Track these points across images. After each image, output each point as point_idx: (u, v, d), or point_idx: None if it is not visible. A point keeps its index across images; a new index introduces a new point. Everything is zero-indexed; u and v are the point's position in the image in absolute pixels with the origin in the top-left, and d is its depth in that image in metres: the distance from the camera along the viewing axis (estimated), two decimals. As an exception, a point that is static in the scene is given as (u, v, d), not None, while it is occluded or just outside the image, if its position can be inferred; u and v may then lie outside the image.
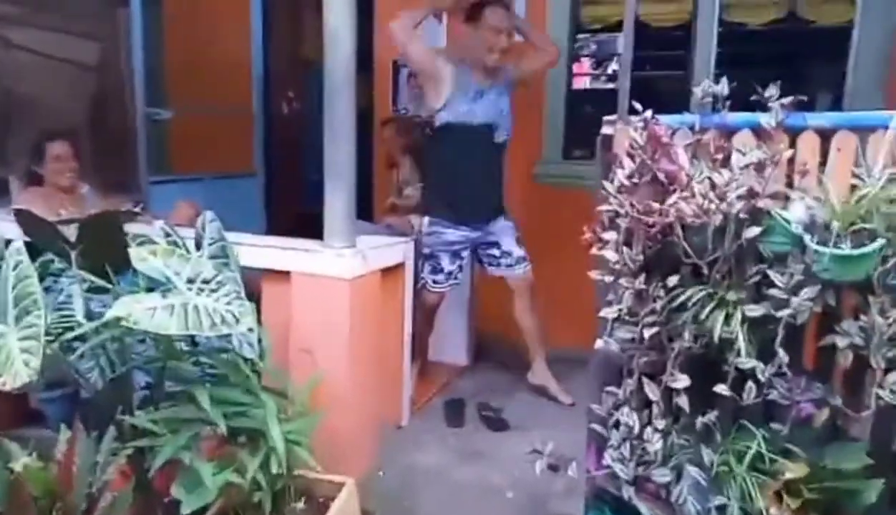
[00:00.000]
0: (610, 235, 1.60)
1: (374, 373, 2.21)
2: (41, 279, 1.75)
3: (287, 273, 2.11)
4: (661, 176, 1.54)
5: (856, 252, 1.31)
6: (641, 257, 1.53)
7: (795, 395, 1.45)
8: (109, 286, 1.74)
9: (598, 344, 1.68)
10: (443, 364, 3.21)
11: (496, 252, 2.85)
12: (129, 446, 1.62)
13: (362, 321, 2.10)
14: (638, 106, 1.65)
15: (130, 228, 1.81)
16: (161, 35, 4.35)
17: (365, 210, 3.56)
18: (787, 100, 1.55)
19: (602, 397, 1.72)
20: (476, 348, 3.37)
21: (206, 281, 1.55)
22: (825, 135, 1.54)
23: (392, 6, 3.53)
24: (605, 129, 1.75)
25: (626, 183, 1.54)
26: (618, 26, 3.27)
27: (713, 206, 1.40)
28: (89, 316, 1.69)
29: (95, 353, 1.75)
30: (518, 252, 2.85)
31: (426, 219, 2.79)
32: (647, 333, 1.52)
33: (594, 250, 1.64)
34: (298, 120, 5.04)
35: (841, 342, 1.38)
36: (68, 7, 4.02)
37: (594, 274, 1.64)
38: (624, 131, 1.66)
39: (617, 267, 1.57)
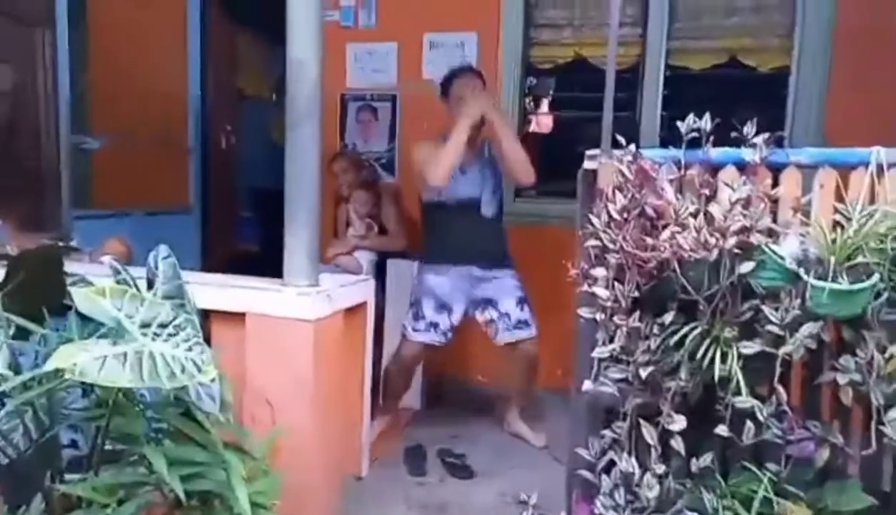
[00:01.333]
0: (599, 271, 1.55)
1: (336, 423, 2.05)
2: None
3: (241, 315, 1.93)
4: (650, 210, 1.51)
5: (855, 287, 1.30)
6: (636, 293, 1.47)
7: (796, 434, 1.41)
8: (39, 330, 1.52)
9: (586, 385, 1.61)
10: (400, 409, 3.06)
11: (494, 314, 2.65)
12: (62, 520, 1.39)
13: (326, 366, 1.95)
14: (622, 139, 1.63)
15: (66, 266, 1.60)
16: (84, 59, 4.06)
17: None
18: (765, 136, 1.57)
19: (589, 441, 1.64)
20: (429, 391, 3.23)
21: (162, 325, 1.37)
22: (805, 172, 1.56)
23: (333, 36, 3.47)
24: (588, 164, 1.71)
25: (617, 217, 1.49)
26: (566, 67, 3.33)
27: (713, 240, 1.37)
28: (14, 367, 1.46)
29: (19, 411, 1.51)
30: (518, 314, 2.64)
31: (415, 264, 2.70)
32: (642, 372, 1.46)
33: (584, 287, 1.58)
34: (234, 155, 4.84)
35: (841, 379, 1.37)
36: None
37: (583, 312, 1.57)
38: (609, 165, 1.63)
39: (608, 304, 1.51)
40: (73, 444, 1.70)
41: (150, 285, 1.54)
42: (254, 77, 5.76)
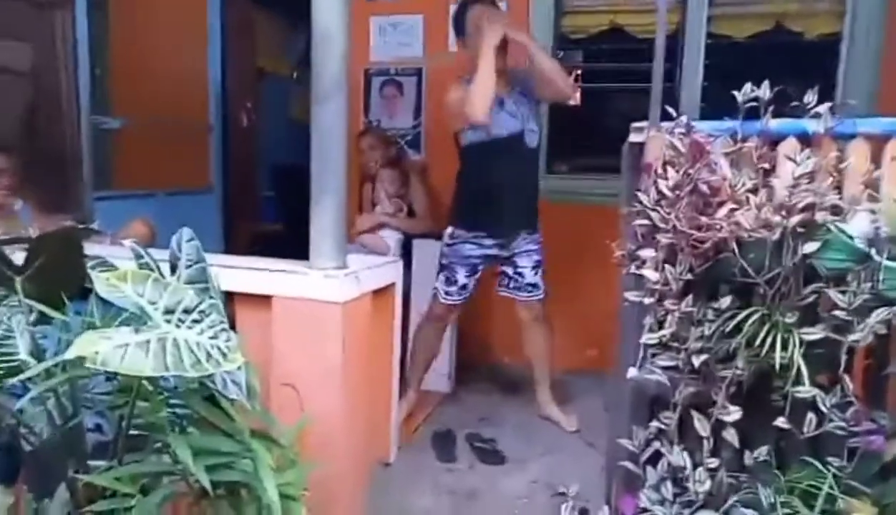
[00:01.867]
0: (647, 252, 1.44)
1: (365, 408, 1.98)
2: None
3: (267, 297, 1.87)
4: (704, 187, 1.40)
5: (937, 268, 1.19)
6: (688, 276, 1.37)
7: (861, 426, 1.31)
8: (59, 316, 1.46)
9: (632, 372, 1.52)
10: (425, 392, 2.99)
11: (509, 270, 2.64)
12: (85, 511, 1.35)
13: (355, 350, 1.88)
14: (672, 111, 1.51)
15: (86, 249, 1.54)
16: (106, 40, 4.01)
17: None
18: (830, 105, 1.44)
19: (632, 431, 1.55)
20: (457, 374, 3.16)
21: (187, 311, 1.30)
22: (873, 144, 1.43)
23: (356, 10, 3.35)
24: (634, 137, 1.60)
25: (670, 194, 1.38)
26: (600, 36, 3.18)
27: (776, 219, 1.26)
28: (36, 354, 1.41)
29: (42, 397, 1.46)
30: (530, 277, 2.62)
31: (449, 230, 2.61)
32: (695, 360, 1.36)
33: (631, 269, 1.48)
34: (255, 133, 4.77)
35: (917, 369, 1.26)
36: (2, 9, 3.67)
37: (630, 296, 1.47)
38: (658, 139, 1.51)
39: (658, 287, 1.41)
40: (98, 429, 1.66)
41: (174, 269, 1.47)
42: (273, 54, 5.67)
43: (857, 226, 1.29)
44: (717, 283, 1.38)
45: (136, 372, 1.17)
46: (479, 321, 3.29)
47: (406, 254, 3.00)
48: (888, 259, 1.23)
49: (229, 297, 1.89)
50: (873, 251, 1.26)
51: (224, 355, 1.29)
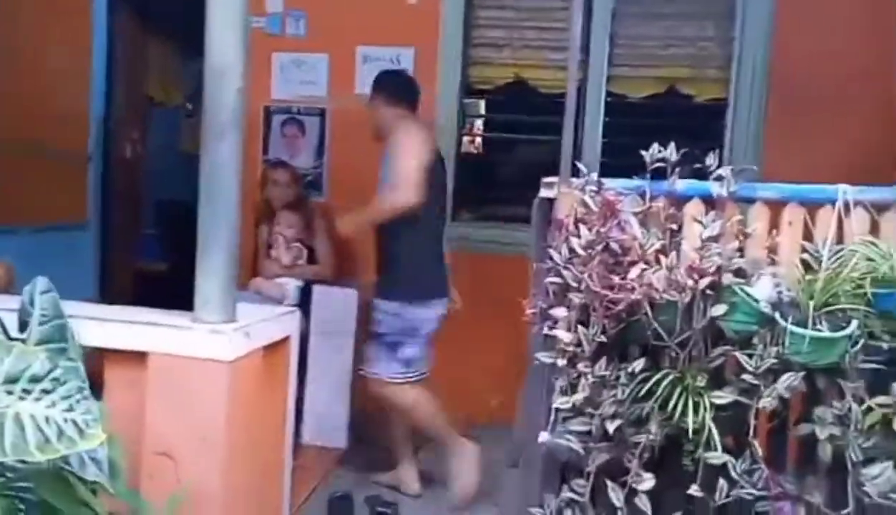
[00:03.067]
0: (560, 312, 1.40)
1: (252, 477, 1.79)
2: None
3: (142, 354, 1.65)
4: (615, 246, 1.38)
5: (838, 334, 1.21)
6: (602, 338, 1.33)
7: (770, 492, 1.30)
8: None
9: (543, 437, 1.45)
10: (319, 448, 2.81)
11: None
12: None
13: (242, 412, 1.69)
14: (583, 167, 1.50)
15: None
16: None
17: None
18: (732, 169, 1.48)
19: (544, 498, 1.47)
20: (355, 426, 2.99)
21: (34, 380, 1.09)
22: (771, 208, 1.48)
23: (259, 44, 3.22)
24: (545, 192, 1.57)
25: (582, 253, 1.35)
26: (505, 88, 3.23)
27: (688, 281, 1.25)
28: None
29: None
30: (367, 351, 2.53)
31: (388, 304, 2.37)
32: (609, 426, 1.31)
33: (542, 328, 1.43)
34: (141, 165, 4.43)
35: (820, 432, 1.27)
36: None
37: (543, 356, 1.41)
38: (568, 195, 1.49)
39: (570, 348, 1.36)
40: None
41: (24, 327, 1.25)
42: (165, 83, 5.35)
43: (762, 289, 1.31)
44: (629, 345, 1.34)
45: (-38, 460, 0.95)
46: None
47: (305, 300, 2.83)
48: (792, 323, 1.25)
49: (98, 353, 1.66)
50: (777, 315, 1.27)
51: (81, 431, 1.09)
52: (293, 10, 3.24)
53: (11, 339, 1.22)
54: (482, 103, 3.40)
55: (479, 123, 3.93)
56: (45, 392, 1.10)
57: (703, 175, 1.52)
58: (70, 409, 1.11)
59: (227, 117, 1.67)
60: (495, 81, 3.22)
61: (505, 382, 3.20)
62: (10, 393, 1.06)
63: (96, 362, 1.69)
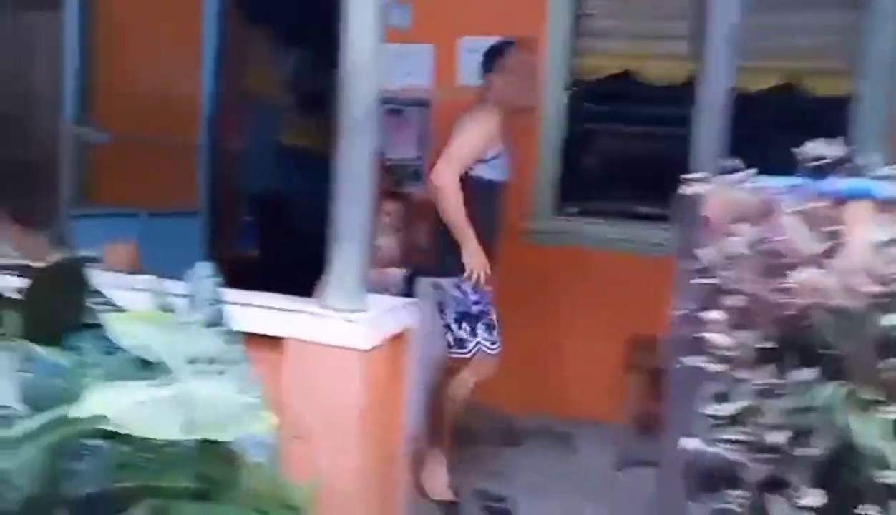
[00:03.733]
0: (715, 315, 1.34)
1: (380, 467, 1.81)
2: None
3: (278, 339, 1.70)
4: (779, 248, 1.31)
5: None
6: (766, 344, 1.27)
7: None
8: (54, 358, 1.27)
9: (691, 444, 1.39)
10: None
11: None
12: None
13: (373, 401, 1.72)
14: (739, 164, 1.43)
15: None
16: (88, 48, 3.80)
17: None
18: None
19: (690, 508, 1.42)
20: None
21: (211, 361, 1.13)
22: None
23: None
24: (689, 188, 1.51)
25: (741, 254, 1.29)
26: (613, 79, 3.15)
27: (869, 287, 1.17)
28: (30, 399, 1.21)
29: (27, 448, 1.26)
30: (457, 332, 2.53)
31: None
32: (770, 437, 1.25)
33: (693, 331, 1.37)
34: (241, 156, 4.59)
35: None
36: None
37: (695, 361, 1.36)
38: (719, 193, 1.42)
39: (729, 354, 1.30)
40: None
41: (189, 308, 1.30)
42: (264, 76, 5.51)
43: (947, 298, 1.21)
44: (794, 353, 1.27)
45: (159, 436, 1.00)
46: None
47: (409, 291, 2.85)
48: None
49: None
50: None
51: (253, 414, 1.13)
52: (398, 1, 3.26)
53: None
54: (589, 94, 3.32)
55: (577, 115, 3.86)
56: (220, 373, 1.15)
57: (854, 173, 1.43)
58: (242, 391, 1.14)
59: (363, 113, 1.69)
60: (603, 72, 3.15)
61: (603, 381, 3.18)
62: (190, 372, 1.11)
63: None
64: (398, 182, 3.14)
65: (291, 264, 3.95)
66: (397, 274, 2.85)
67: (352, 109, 1.69)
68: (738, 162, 1.46)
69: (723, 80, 2.94)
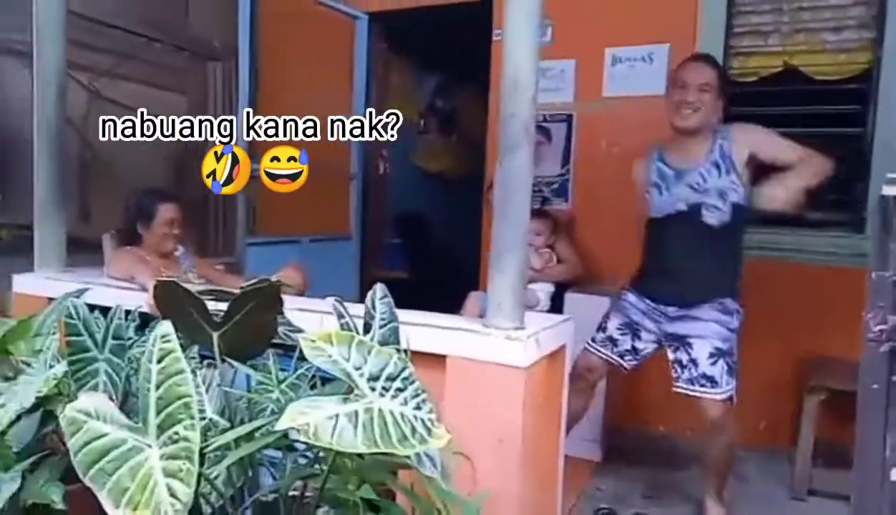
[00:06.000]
0: (926, 330, 1.19)
1: (537, 483, 1.80)
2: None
3: (439, 357, 1.74)
4: None
5: None
6: None
7: None
8: (252, 373, 1.39)
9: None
10: (575, 459, 2.77)
11: (683, 356, 2.20)
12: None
13: (534, 418, 1.71)
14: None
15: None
16: (255, 91, 4.20)
17: (473, 281, 3.22)
18: None
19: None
20: (608, 441, 2.91)
21: (390, 379, 1.18)
22: None
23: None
24: (887, 190, 1.36)
25: (963, 260, 1.13)
26: (774, 79, 2.93)
27: None
28: (228, 414, 1.34)
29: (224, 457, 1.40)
30: (705, 366, 2.15)
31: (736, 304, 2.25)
32: None
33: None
34: (388, 181, 4.82)
35: None
36: (156, 59, 3.94)
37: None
38: (930, 192, 1.27)
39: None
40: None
41: (367, 328, 1.38)
42: (404, 102, 5.77)
43: None
44: None
45: (348, 448, 1.06)
46: (629, 382, 3.03)
47: (556, 307, 2.82)
48: None
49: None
50: None
51: (429, 430, 1.16)
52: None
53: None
54: (742, 96, 3.12)
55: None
56: (399, 390, 1.19)
57: None
58: (418, 408, 1.18)
59: (521, 129, 1.71)
60: (760, 72, 2.94)
61: (773, 403, 2.93)
62: (373, 389, 1.16)
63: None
64: (543, 199, 3.13)
65: (434, 282, 4.09)
66: (542, 289, 2.83)
67: (510, 123, 1.71)
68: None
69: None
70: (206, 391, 1.40)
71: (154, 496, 1.00)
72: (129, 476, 1.02)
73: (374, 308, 1.37)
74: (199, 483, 1.34)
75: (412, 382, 1.22)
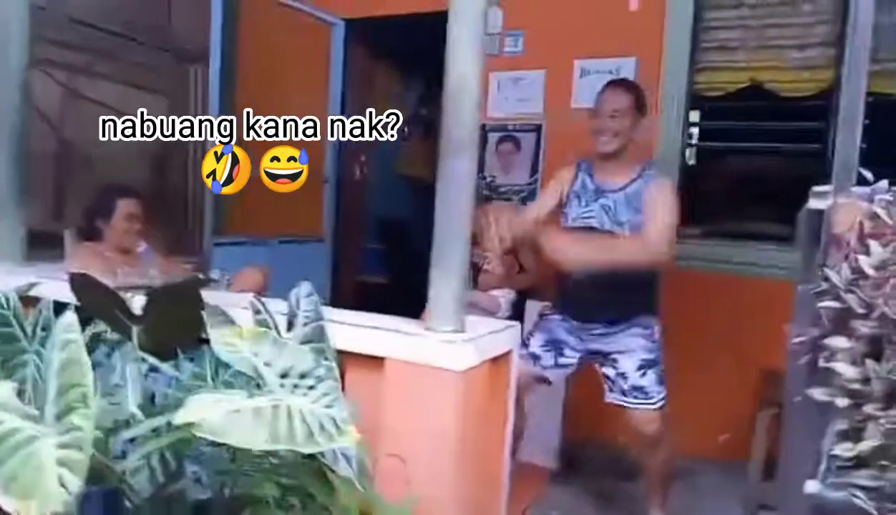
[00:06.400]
0: (839, 342, 1.19)
1: (477, 489, 1.79)
2: (89, 351, 1.43)
3: (378, 359, 1.74)
4: (919, 266, 1.14)
5: None
6: (900, 377, 1.11)
7: None
8: (170, 371, 1.39)
9: (812, 487, 1.24)
10: (530, 465, 2.76)
11: (610, 371, 2.26)
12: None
13: (471, 423, 1.70)
14: (868, 175, 1.28)
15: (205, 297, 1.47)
16: (232, 94, 4.22)
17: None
18: None
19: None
20: (565, 450, 2.90)
21: (302, 376, 1.18)
22: None
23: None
24: (815, 203, 1.37)
25: (874, 274, 1.14)
26: (739, 95, 2.95)
27: None
28: (145, 407, 1.33)
29: (147, 453, 1.38)
30: (638, 380, 2.20)
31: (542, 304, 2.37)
32: (909, 486, 1.08)
33: (817, 360, 1.23)
34: (366, 186, 4.83)
35: None
36: (138, 61, 3.94)
37: (818, 393, 1.22)
38: (850, 206, 1.28)
39: (855, 386, 1.15)
40: (198, 481, 1.56)
41: (290, 326, 1.37)
42: (386, 109, 5.78)
43: None
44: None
45: (246, 445, 1.05)
46: (589, 393, 3.03)
47: (517, 314, 2.82)
48: None
49: (339, 355, 1.79)
50: None
51: (339, 428, 1.15)
52: (512, 29, 3.30)
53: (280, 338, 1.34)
54: (708, 111, 3.14)
55: (697, 133, 3.66)
56: (310, 388, 1.19)
57: None
58: (329, 406, 1.18)
59: (465, 134, 1.71)
60: (726, 87, 2.96)
61: (730, 417, 2.94)
62: (282, 386, 1.16)
63: (341, 363, 1.83)
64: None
65: (413, 288, 4.09)
66: (504, 296, 2.83)
67: (451, 133, 1.72)
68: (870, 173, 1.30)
69: (862, 87, 2.69)
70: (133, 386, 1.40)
71: (43, 485, 0.99)
72: (21, 464, 1.01)
73: (297, 305, 1.37)
74: (115, 476, 1.34)
75: (324, 380, 1.21)
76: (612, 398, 2.26)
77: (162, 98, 4.28)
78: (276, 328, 1.35)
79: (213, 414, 1.05)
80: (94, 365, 1.40)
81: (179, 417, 1.05)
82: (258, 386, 1.15)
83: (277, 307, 1.44)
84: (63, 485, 0.99)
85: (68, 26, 3.46)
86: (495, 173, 3.36)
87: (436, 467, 1.65)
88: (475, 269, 3.11)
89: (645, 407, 2.19)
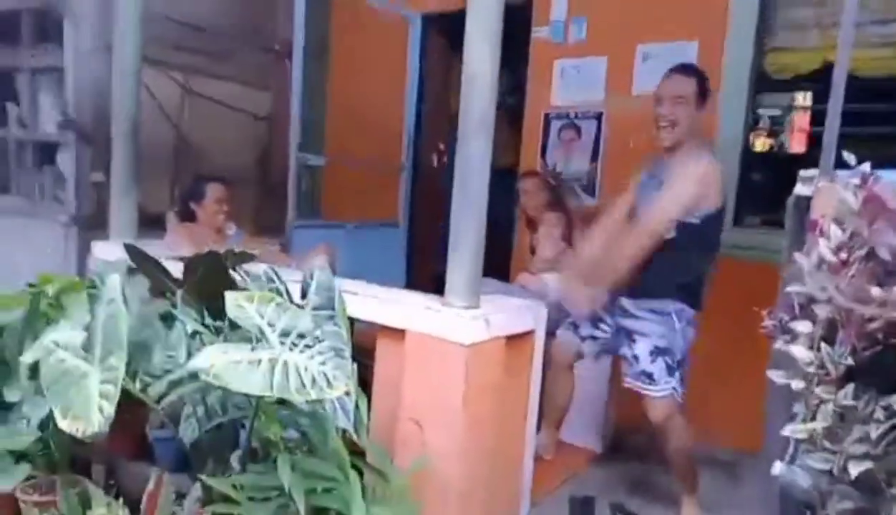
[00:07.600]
0: (802, 326, 1.21)
1: (489, 458, 1.92)
2: (163, 319, 1.71)
3: (402, 331, 1.91)
4: (884, 253, 1.14)
5: None
6: (849, 360, 1.12)
7: None
8: (202, 329, 1.63)
9: (777, 469, 1.27)
10: (573, 447, 2.83)
11: (628, 352, 2.26)
12: (207, 509, 1.47)
13: (480, 395, 1.83)
14: (850, 158, 1.27)
15: (256, 269, 1.70)
16: (324, 87, 4.55)
17: (501, 269, 3.33)
18: None
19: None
20: (611, 435, 2.94)
21: (301, 335, 1.37)
22: None
23: (542, 53, 3.39)
24: (801, 189, 1.37)
25: (832, 258, 1.15)
26: (811, 76, 2.81)
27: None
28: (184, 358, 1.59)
29: (194, 400, 1.65)
30: (647, 365, 2.19)
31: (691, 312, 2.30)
32: (853, 468, 1.09)
33: (779, 343, 1.26)
34: (444, 173, 4.99)
35: None
36: (244, 59, 4.34)
37: (774, 376, 1.24)
38: (828, 190, 1.28)
39: (811, 369, 1.17)
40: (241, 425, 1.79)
41: (304, 294, 1.57)
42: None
43: None
44: (887, 373, 1.10)
45: (242, 389, 1.26)
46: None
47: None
48: None
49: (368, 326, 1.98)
50: None
51: (329, 382, 1.34)
52: (575, 16, 3.32)
53: (294, 304, 1.54)
54: (780, 95, 3.01)
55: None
56: (308, 346, 1.38)
57: None
58: (323, 363, 1.36)
59: (479, 120, 1.83)
60: (798, 69, 2.83)
61: (752, 404, 2.81)
62: (282, 343, 1.36)
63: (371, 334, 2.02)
64: (559, 194, 3.17)
65: (488, 276, 4.21)
66: (552, 280, 2.89)
67: (468, 116, 1.83)
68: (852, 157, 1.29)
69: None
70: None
71: (89, 412, 1.25)
72: (76, 394, 1.29)
73: (311, 277, 1.56)
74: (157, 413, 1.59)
75: (322, 340, 1.40)
76: (627, 381, 2.29)
77: (264, 93, 4.70)
78: (289, 295, 1.55)
79: (218, 362, 1.27)
80: (168, 328, 1.68)
81: (191, 364, 1.28)
82: (261, 342, 1.35)
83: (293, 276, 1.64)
84: (101, 411, 1.25)
85: (183, 30, 3.88)
86: (557, 160, 3.41)
87: (445, 433, 1.80)
88: (531, 252, 3.21)
89: (648, 392, 2.20)
